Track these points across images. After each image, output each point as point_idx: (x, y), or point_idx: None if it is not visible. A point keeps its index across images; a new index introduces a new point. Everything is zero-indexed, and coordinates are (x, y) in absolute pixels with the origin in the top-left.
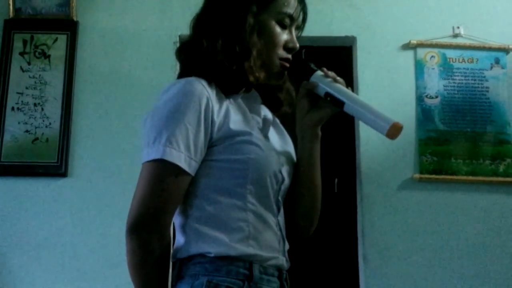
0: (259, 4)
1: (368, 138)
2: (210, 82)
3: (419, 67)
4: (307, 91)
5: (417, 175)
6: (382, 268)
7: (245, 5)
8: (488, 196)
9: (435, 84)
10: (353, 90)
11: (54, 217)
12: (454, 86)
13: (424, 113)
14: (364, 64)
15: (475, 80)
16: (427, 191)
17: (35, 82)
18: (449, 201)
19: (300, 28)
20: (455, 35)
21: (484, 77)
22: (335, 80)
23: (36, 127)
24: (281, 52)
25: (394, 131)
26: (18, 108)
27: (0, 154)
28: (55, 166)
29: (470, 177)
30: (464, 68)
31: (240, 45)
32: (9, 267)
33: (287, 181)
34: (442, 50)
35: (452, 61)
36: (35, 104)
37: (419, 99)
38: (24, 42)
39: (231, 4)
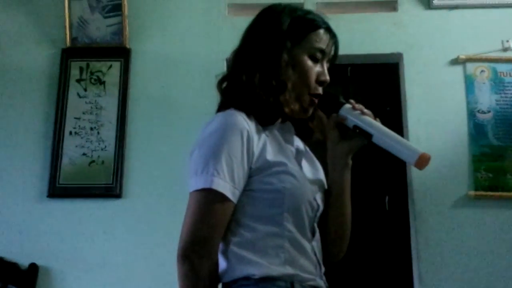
0: (293, 40)
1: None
2: (249, 115)
3: (469, 82)
4: (336, 123)
5: (472, 192)
6: None
7: (280, 42)
8: None
9: (486, 99)
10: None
11: (109, 237)
12: (506, 101)
13: (476, 129)
14: (412, 81)
15: None
16: (483, 209)
17: (91, 108)
18: (506, 219)
19: (331, 61)
20: (505, 49)
21: None
22: (363, 113)
23: (92, 150)
24: (313, 85)
25: (422, 161)
26: (75, 133)
27: (59, 176)
28: (110, 188)
29: None
30: None
31: (276, 79)
32: (66, 286)
33: (321, 207)
34: (492, 65)
35: (503, 75)
36: (91, 128)
37: (471, 114)
38: (81, 70)
39: (268, 41)
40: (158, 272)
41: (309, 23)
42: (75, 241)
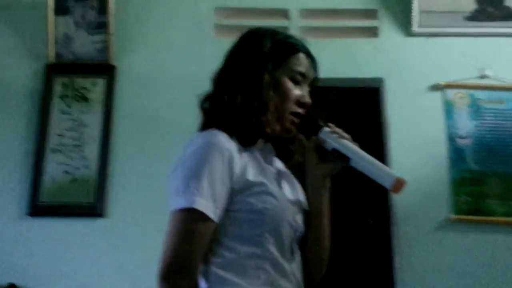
0: (274, 63)
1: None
2: (230, 135)
3: (449, 108)
4: (315, 146)
5: (452, 216)
6: None
7: (262, 64)
8: None
9: (465, 124)
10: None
11: (92, 257)
12: (485, 127)
13: (456, 153)
14: (393, 105)
15: (505, 120)
16: (464, 232)
17: (75, 125)
18: (486, 243)
19: (312, 84)
20: (482, 77)
21: None
22: (342, 136)
23: (74, 168)
24: (294, 107)
25: (398, 186)
26: (57, 150)
27: (39, 194)
28: (92, 207)
29: (507, 218)
30: (493, 109)
31: (258, 100)
32: None
33: (301, 228)
34: (471, 91)
35: (481, 102)
36: (74, 146)
37: (450, 139)
38: (64, 86)
39: (250, 63)
40: None
41: (290, 46)
42: (56, 261)
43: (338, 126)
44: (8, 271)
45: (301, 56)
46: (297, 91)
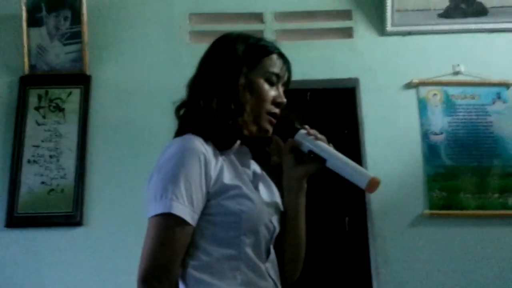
0: (249, 65)
1: (377, 176)
2: (206, 139)
3: (423, 105)
4: (292, 148)
5: (427, 211)
6: None
7: (237, 67)
8: (498, 230)
9: (439, 121)
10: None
11: (71, 266)
12: (458, 122)
13: (430, 150)
14: (369, 105)
15: (478, 115)
16: (438, 227)
17: (50, 135)
18: (460, 236)
19: (286, 85)
20: (456, 73)
21: (487, 112)
22: (317, 138)
23: (51, 178)
24: (270, 107)
25: (372, 185)
26: (34, 161)
27: (16, 206)
28: (70, 216)
29: (480, 211)
30: (466, 104)
31: (234, 103)
32: None
33: (277, 229)
34: (444, 88)
35: (455, 98)
36: (50, 156)
37: (425, 136)
38: (39, 97)
39: (224, 67)
40: None
41: (262, 49)
42: (36, 272)
43: (315, 126)
44: None
45: (274, 57)
46: (273, 92)
